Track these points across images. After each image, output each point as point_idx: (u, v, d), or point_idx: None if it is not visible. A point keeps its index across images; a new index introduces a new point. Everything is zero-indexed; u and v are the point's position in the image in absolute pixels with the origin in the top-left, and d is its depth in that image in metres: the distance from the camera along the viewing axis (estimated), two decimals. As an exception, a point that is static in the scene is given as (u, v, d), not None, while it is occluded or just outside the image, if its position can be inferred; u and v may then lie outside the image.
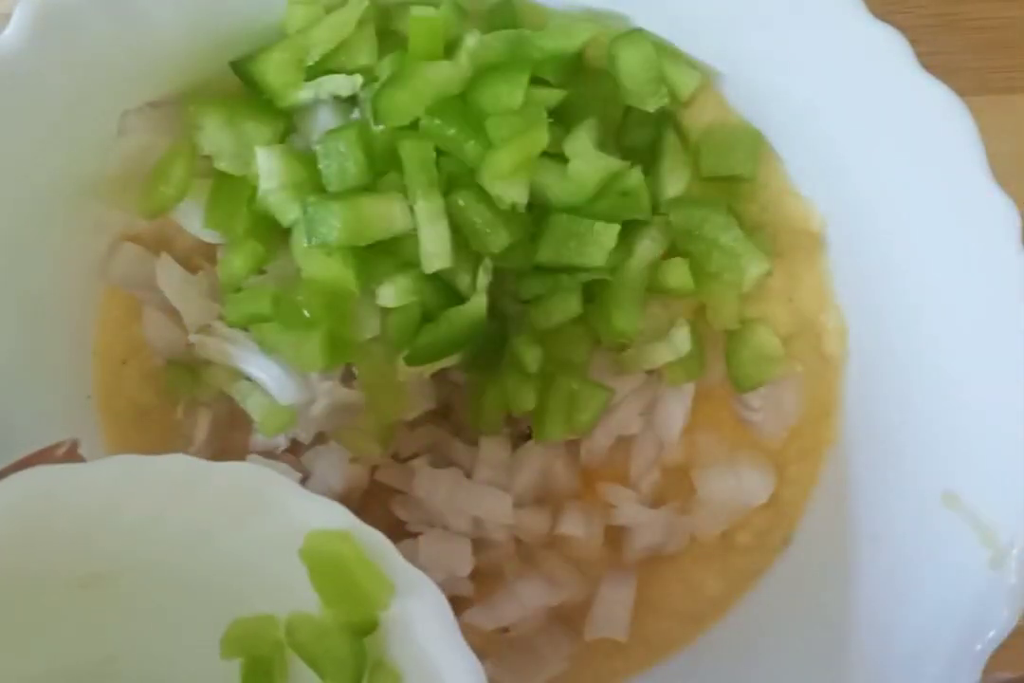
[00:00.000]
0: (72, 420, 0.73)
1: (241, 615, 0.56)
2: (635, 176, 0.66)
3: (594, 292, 0.69)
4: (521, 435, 0.73)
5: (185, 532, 0.53)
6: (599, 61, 0.69)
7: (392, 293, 0.65)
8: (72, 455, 0.58)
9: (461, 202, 0.64)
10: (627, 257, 0.68)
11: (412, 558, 0.71)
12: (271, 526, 0.53)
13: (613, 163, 0.65)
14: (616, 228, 0.65)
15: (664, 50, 0.67)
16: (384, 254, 0.65)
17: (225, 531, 0.53)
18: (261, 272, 0.69)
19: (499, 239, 0.64)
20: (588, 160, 0.65)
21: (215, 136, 0.68)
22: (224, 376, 0.71)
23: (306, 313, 0.65)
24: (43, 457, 0.58)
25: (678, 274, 0.69)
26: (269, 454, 0.73)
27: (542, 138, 0.63)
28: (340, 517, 0.53)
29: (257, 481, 0.53)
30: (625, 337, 0.69)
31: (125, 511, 0.52)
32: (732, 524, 0.74)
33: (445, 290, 0.65)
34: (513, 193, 0.64)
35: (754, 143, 0.70)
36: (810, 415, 0.74)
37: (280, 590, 0.55)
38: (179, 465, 0.52)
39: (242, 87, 0.69)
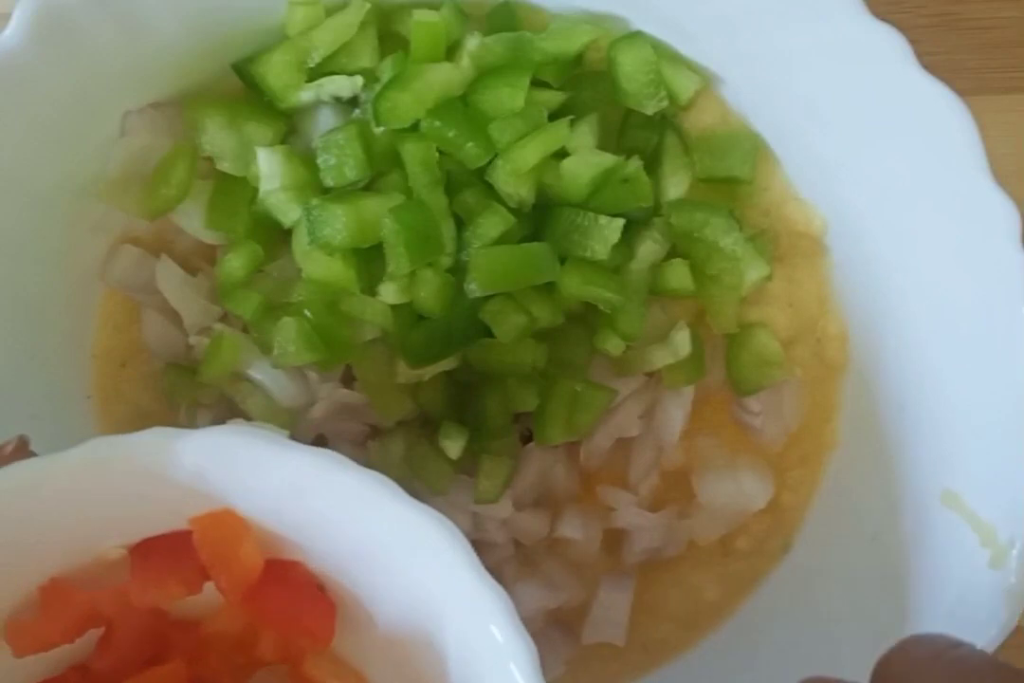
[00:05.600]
0: (71, 422, 0.73)
1: None
2: (634, 164, 0.67)
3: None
4: (521, 437, 0.72)
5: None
6: (599, 64, 0.69)
7: (393, 291, 0.65)
8: (21, 453, 0.56)
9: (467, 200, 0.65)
10: (629, 259, 0.68)
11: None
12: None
13: (608, 158, 0.66)
14: (621, 222, 0.65)
15: (664, 53, 0.68)
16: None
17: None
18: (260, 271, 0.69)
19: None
20: (583, 156, 0.65)
21: (216, 137, 0.68)
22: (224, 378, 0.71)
23: (307, 313, 0.66)
24: None
25: (678, 275, 0.69)
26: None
27: (562, 135, 0.64)
28: (328, 462, 0.53)
29: (234, 445, 0.52)
30: (628, 339, 0.68)
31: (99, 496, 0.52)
32: (731, 529, 0.74)
33: (447, 288, 0.65)
34: (523, 191, 0.65)
35: (751, 146, 0.70)
36: (810, 420, 0.74)
37: None
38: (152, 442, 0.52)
39: (243, 88, 0.70)
